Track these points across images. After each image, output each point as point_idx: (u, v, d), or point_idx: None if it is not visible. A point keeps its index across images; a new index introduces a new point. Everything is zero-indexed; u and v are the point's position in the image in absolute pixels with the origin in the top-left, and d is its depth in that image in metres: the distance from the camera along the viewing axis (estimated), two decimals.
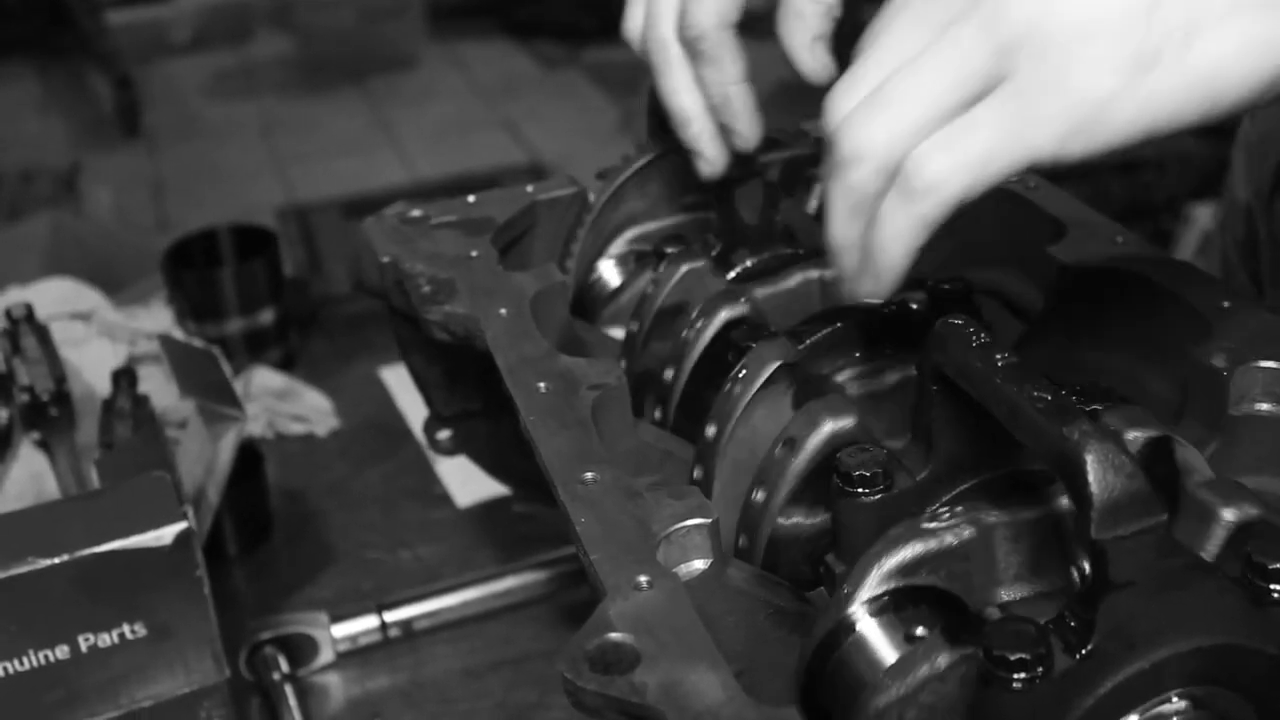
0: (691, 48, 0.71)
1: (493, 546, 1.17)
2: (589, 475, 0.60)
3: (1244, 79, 0.49)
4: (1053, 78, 0.48)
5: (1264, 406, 0.62)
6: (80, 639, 0.79)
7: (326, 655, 1.03)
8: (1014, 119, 0.49)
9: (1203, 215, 2.57)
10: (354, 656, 1.04)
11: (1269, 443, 0.62)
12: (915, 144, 0.50)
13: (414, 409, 1.24)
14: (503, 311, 0.74)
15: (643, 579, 0.53)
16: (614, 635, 0.51)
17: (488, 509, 1.21)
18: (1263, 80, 0.49)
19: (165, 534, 0.79)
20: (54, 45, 4.81)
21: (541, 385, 0.67)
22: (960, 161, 0.49)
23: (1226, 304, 0.66)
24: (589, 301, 0.86)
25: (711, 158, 0.75)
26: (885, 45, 0.52)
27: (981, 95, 0.50)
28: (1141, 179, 3.05)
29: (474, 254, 0.80)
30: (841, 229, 0.54)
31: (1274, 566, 0.50)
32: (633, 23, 0.76)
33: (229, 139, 4.37)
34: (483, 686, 1.01)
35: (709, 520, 0.57)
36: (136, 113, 4.40)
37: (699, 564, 0.57)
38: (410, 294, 0.78)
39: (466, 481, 1.22)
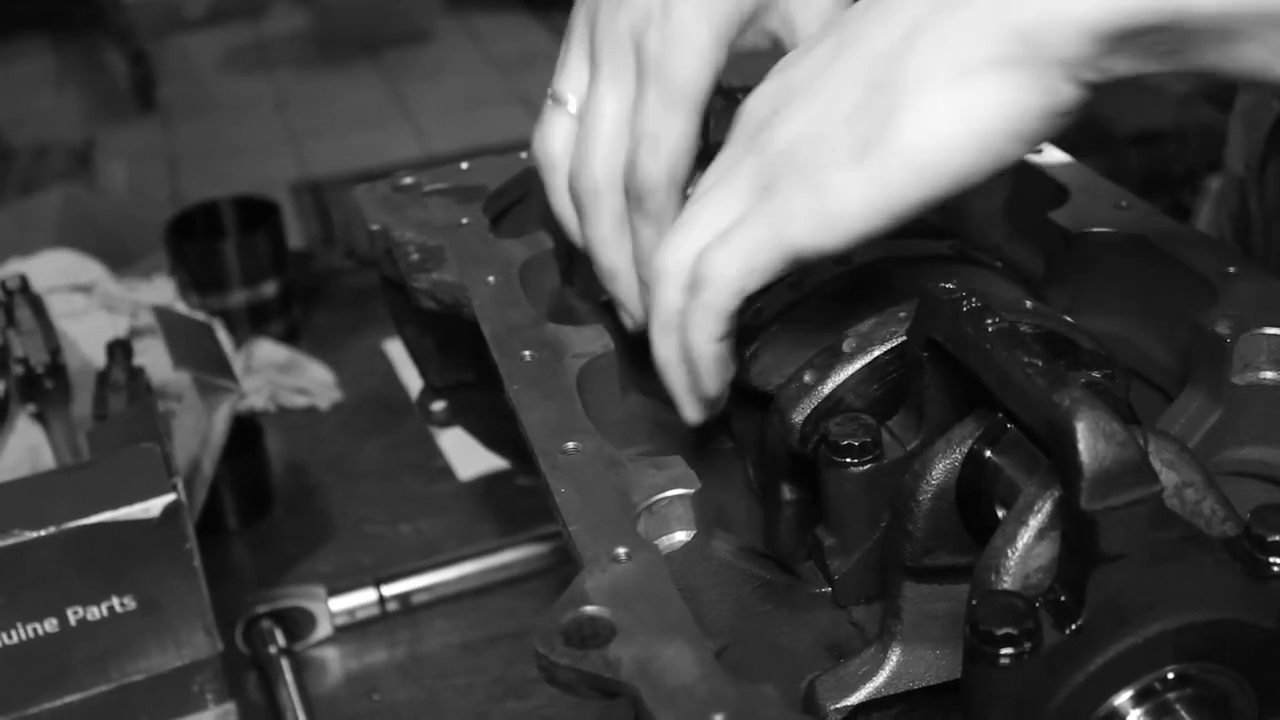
0: (632, 199, 0.66)
1: (494, 520, 1.16)
2: (571, 445, 0.58)
3: (965, 146, 0.51)
4: (799, 181, 0.53)
5: (1269, 375, 0.60)
6: (69, 612, 0.78)
7: (324, 629, 1.03)
8: (770, 217, 0.54)
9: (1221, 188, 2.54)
10: (352, 630, 1.03)
11: (1274, 412, 0.60)
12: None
13: (416, 382, 1.22)
14: (491, 279, 0.72)
15: (621, 551, 0.52)
16: (589, 609, 0.49)
17: (489, 482, 1.20)
18: (985, 144, 0.51)
19: (153, 506, 0.78)
20: (69, 20, 4.81)
21: (527, 354, 0.66)
22: (731, 253, 0.54)
23: (1232, 270, 0.64)
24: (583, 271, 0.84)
25: (636, 313, 0.69)
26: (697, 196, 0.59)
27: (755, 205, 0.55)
28: (1162, 151, 3.01)
29: (464, 221, 0.79)
30: (661, 348, 0.59)
31: (1273, 539, 0.48)
32: (549, 144, 0.70)
33: (244, 114, 4.36)
34: (481, 661, 1.00)
35: (692, 490, 0.55)
36: (151, 87, 4.39)
37: (681, 535, 0.55)
38: (399, 262, 0.76)
39: (468, 454, 1.21)
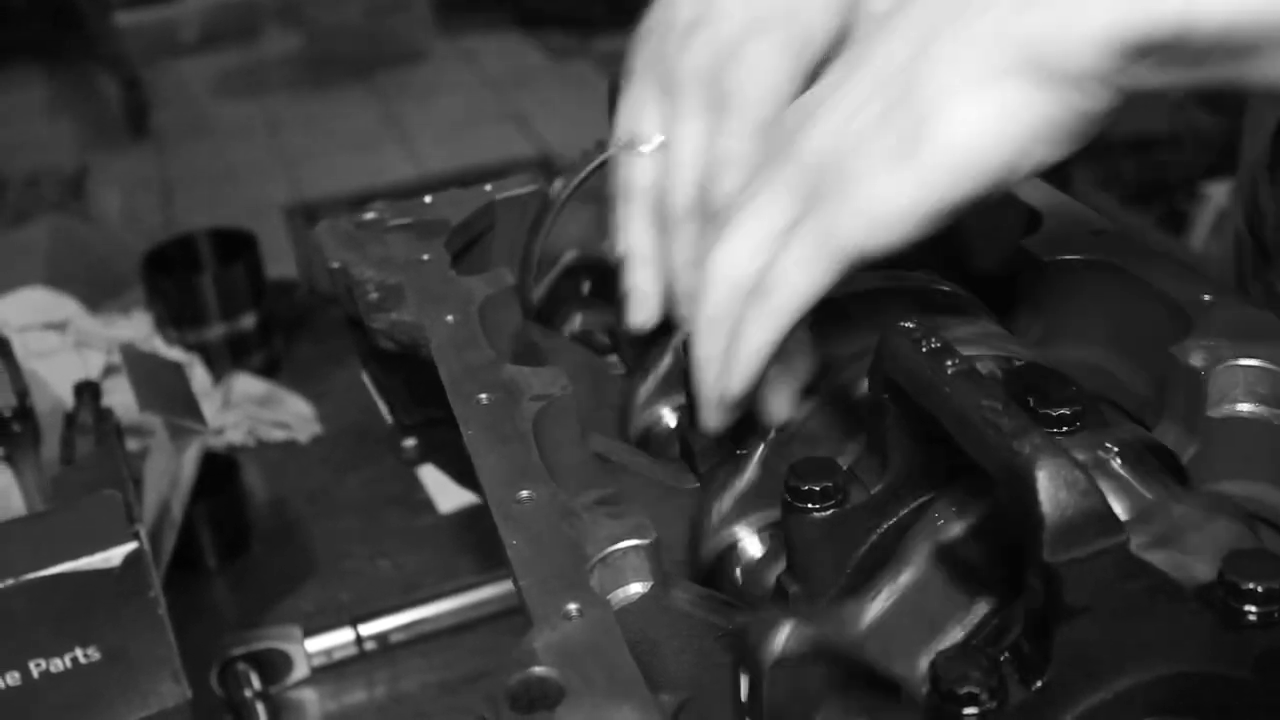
0: (711, 217, 0.69)
1: (475, 554, 1.14)
2: (524, 494, 0.56)
3: (1000, 148, 0.52)
4: (842, 187, 0.55)
5: (1245, 407, 0.58)
6: (32, 665, 0.76)
7: (301, 670, 1.01)
8: (823, 224, 0.55)
9: (1218, 193, 2.51)
10: (329, 671, 1.02)
11: (1252, 446, 0.58)
12: (757, 264, 0.57)
13: None
14: (449, 319, 0.71)
15: (572, 607, 0.50)
16: (538, 669, 0.47)
17: (471, 515, 1.18)
18: (1021, 146, 0.52)
19: (114, 555, 0.76)
20: (61, 47, 4.80)
21: (483, 397, 0.64)
22: (797, 262, 0.56)
23: (1208, 298, 0.63)
24: (549, 311, 0.83)
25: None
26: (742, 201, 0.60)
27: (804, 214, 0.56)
28: (1156, 157, 2.99)
29: (425, 258, 0.77)
30: (704, 347, 0.60)
31: (1247, 586, 0.46)
32: (635, 178, 0.73)
33: (238, 138, 4.36)
34: (459, 701, 0.98)
35: (648, 541, 0.53)
36: (145, 113, 4.39)
37: (637, 587, 0.54)
38: (358, 301, 0.75)
39: (448, 487, 1.19)
